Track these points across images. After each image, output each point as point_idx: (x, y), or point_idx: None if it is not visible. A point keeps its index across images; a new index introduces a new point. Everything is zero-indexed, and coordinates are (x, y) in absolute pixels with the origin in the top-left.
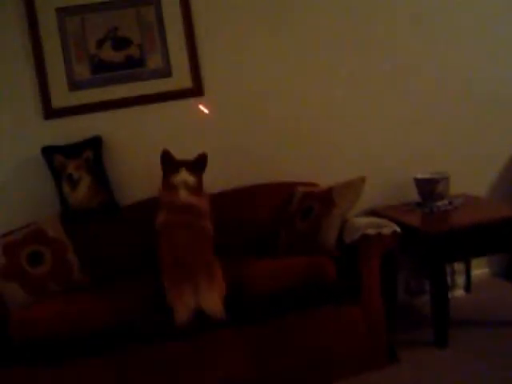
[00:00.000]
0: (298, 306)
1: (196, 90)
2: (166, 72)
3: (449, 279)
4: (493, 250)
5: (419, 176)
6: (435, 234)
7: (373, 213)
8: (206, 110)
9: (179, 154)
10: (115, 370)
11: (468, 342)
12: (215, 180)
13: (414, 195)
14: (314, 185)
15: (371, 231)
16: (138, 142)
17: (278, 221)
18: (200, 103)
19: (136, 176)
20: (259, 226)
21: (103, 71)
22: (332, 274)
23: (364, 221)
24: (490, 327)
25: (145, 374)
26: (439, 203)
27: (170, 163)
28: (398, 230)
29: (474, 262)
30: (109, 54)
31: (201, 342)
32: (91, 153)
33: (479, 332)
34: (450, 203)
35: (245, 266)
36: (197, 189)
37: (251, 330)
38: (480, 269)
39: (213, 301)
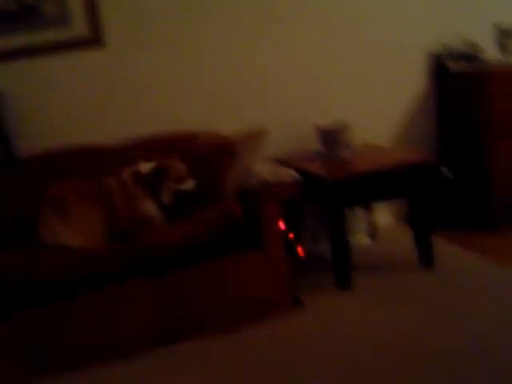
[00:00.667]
0: (204, 256)
1: (95, 40)
2: (63, 20)
3: (353, 226)
4: (392, 195)
5: (321, 125)
6: (335, 180)
7: (276, 161)
8: None
9: (80, 104)
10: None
11: (370, 286)
12: (116, 130)
13: (316, 144)
14: (217, 135)
15: (271, 179)
16: (38, 93)
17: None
18: None
19: (36, 128)
20: None
21: None
22: (239, 215)
23: (266, 169)
24: (391, 271)
25: (43, 335)
26: (340, 151)
27: None
28: (298, 177)
29: (378, 210)
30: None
31: (106, 295)
32: None
33: (381, 276)
34: (351, 151)
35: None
36: None
37: (156, 282)
38: (383, 215)
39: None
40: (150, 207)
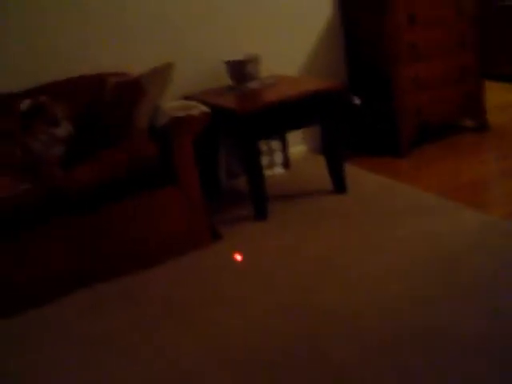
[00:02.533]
0: (120, 195)
1: None
2: None
3: (267, 158)
4: (303, 124)
5: (229, 59)
6: (246, 112)
7: (186, 98)
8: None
9: None
10: None
11: (285, 214)
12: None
13: (227, 79)
14: (125, 75)
15: (180, 113)
16: None
17: (90, 115)
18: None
19: None
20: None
21: None
22: (155, 157)
23: (174, 105)
24: (305, 198)
25: None
26: (250, 84)
27: None
28: (207, 110)
29: (291, 140)
30: None
31: (19, 238)
32: None
33: (296, 203)
34: (261, 83)
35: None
36: None
37: (72, 221)
38: (297, 146)
39: None
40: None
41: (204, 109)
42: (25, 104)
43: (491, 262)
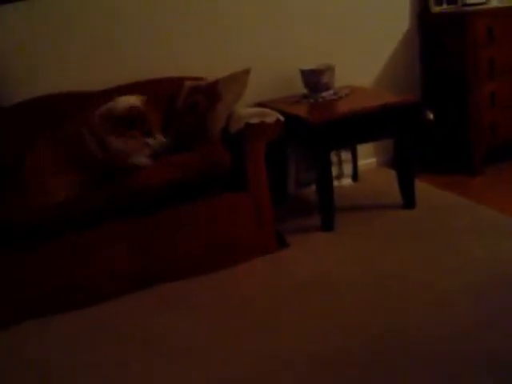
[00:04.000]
0: (191, 198)
1: None
2: None
3: (337, 169)
4: (375, 137)
5: (305, 67)
6: (319, 122)
7: (260, 105)
8: None
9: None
10: None
11: (352, 226)
12: (100, 78)
13: (300, 88)
14: (201, 79)
15: (254, 120)
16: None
17: (165, 117)
18: None
19: (18, 75)
20: None
21: None
22: (228, 163)
23: (248, 111)
24: (373, 212)
25: (28, 272)
26: (325, 94)
27: None
28: (281, 118)
29: (362, 152)
30: None
31: (86, 236)
32: None
33: (363, 216)
34: (335, 94)
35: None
36: None
37: (140, 224)
38: (367, 159)
39: None
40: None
41: (279, 116)
42: (120, 105)
43: None
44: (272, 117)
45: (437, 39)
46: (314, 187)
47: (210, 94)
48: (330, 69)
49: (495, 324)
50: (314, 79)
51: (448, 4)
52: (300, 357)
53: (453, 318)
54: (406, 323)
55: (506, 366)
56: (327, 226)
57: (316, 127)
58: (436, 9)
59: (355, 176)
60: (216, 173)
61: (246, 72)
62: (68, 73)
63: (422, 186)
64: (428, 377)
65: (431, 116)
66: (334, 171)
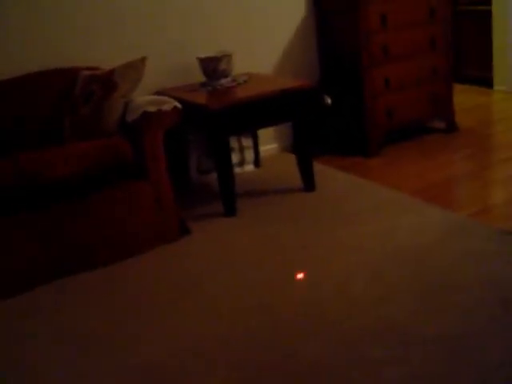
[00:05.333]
0: (91, 188)
1: None
2: None
3: (238, 155)
4: (274, 121)
5: (202, 55)
6: (217, 108)
7: (159, 94)
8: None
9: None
10: None
11: (254, 211)
12: None
13: (199, 76)
14: (97, 69)
15: (151, 108)
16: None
17: (61, 109)
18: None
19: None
20: (41, 118)
21: None
22: (129, 153)
23: (146, 99)
24: (275, 196)
25: None
26: (223, 81)
27: None
28: (178, 105)
29: (263, 139)
30: None
31: None
32: None
33: (265, 201)
34: (234, 81)
35: (37, 154)
36: None
37: (41, 215)
38: (269, 145)
39: None
40: None
41: (176, 104)
42: None
43: (456, 259)
44: (169, 104)
45: (331, 25)
46: (215, 175)
47: (105, 82)
48: (227, 56)
49: (388, 298)
50: (212, 67)
51: None
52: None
53: (346, 292)
54: (300, 298)
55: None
56: (229, 211)
57: (214, 113)
58: None
59: (257, 162)
60: (116, 163)
61: (142, 60)
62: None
63: (321, 169)
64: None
65: (328, 100)
66: (236, 158)
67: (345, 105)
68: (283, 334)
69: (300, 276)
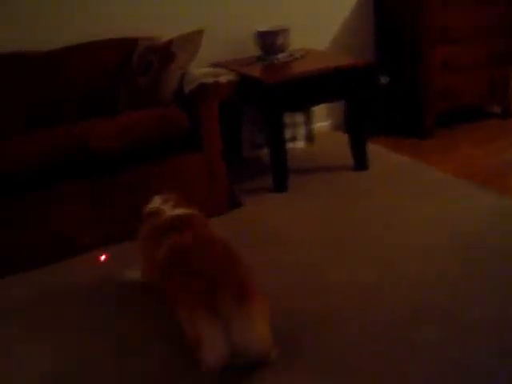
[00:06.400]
0: (145, 159)
1: None
2: None
3: (291, 131)
4: (328, 98)
5: (260, 29)
6: (273, 82)
7: (214, 66)
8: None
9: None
10: None
11: (305, 187)
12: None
13: (256, 49)
14: (155, 39)
15: (208, 79)
16: None
17: (118, 79)
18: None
19: None
20: (97, 87)
21: None
22: (185, 124)
23: (202, 71)
24: (326, 173)
25: None
26: (280, 56)
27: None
28: (235, 77)
29: (316, 116)
30: None
31: (48, 195)
32: None
33: (316, 177)
34: (290, 55)
35: (91, 123)
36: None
37: (100, 183)
38: (322, 122)
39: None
40: None
41: (232, 77)
42: None
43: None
44: (226, 76)
45: (390, 4)
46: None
47: (163, 53)
48: (285, 30)
49: (436, 281)
50: (269, 41)
51: None
52: None
53: (397, 275)
54: (348, 277)
55: (453, 319)
56: (280, 187)
57: (270, 88)
58: None
59: (309, 139)
60: (171, 133)
61: (200, 32)
62: (12, 32)
63: (374, 149)
64: (368, 323)
65: (384, 80)
66: (288, 133)
67: (400, 85)
68: (331, 314)
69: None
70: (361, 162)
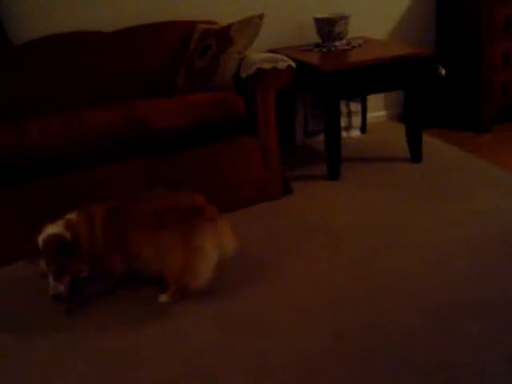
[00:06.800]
0: (201, 140)
1: None
2: None
3: (346, 120)
4: (386, 88)
5: (318, 16)
6: (331, 70)
7: (272, 52)
8: None
9: None
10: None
11: (357, 176)
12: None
13: (314, 36)
14: (214, 23)
15: (266, 65)
16: None
17: (176, 61)
18: None
19: (31, 12)
20: (156, 68)
21: None
22: (242, 108)
23: (260, 56)
24: (379, 163)
25: (49, 203)
26: (338, 43)
27: None
28: (293, 64)
29: (372, 105)
30: None
31: (103, 173)
32: None
33: (370, 167)
34: (348, 44)
35: (149, 103)
36: None
37: (153, 162)
38: (377, 112)
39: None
40: None
41: (291, 62)
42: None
43: None
44: (284, 63)
45: None
46: (321, 137)
47: (222, 37)
48: (344, 18)
49: (488, 277)
50: (328, 28)
51: None
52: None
53: (446, 267)
54: (400, 268)
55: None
56: (333, 175)
57: (327, 75)
58: None
59: (364, 128)
60: (228, 117)
61: (259, 17)
62: (75, 12)
63: (429, 141)
64: (418, 310)
65: (443, 71)
66: (343, 122)
67: (460, 77)
68: (378, 303)
69: None
70: (415, 154)
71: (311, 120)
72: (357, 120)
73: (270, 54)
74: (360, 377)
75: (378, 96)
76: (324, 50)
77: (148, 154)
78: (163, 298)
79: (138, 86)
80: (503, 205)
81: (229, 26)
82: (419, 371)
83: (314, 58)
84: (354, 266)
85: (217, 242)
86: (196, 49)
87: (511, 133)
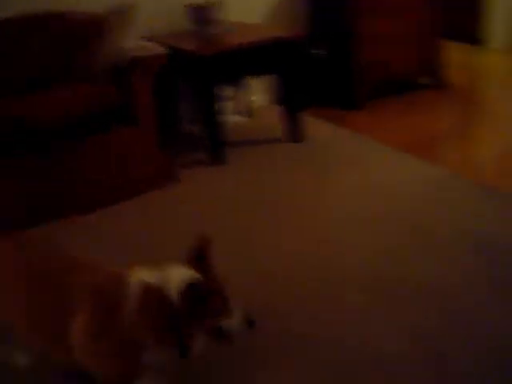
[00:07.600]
0: (80, 134)
1: None
2: None
3: (230, 104)
4: (262, 71)
5: (192, 2)
6: (206, 54)
7: (147, 40)
8: None
9: None
10: None
11: (243, 160)
12: None
13: (187, 23)
14: (85, 13)
15: (139, 53)
16: None
17: (51, 53)
18: None
19: None
20: (30, 62)
21: None
22: (114, 99)
23: (133, 45)
24: (264, 146)
25: None
26: (212, 29)
27: None
28: (165, 51)
29: (255, 90)
30: None
31: None
32: None
33: (254, 150)
34: (222, 29)
35: (25, 99)
36: None
37: (37, 157)
38: (261, 95)
39: None
40: None
41: (162, 50)
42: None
43: (444, 212)
44: (156, 50)
45: None
46: None
47: (96, 28)
48: (216, 4)
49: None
50: (202, 14)
51: None
52: None
53: (328, 242)
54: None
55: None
56: (216, 159)
57: (201, 60)
58: None
59: (249, 112)
60: (102, 108)
61: (131, 7)
62: None
63: (309, 120)
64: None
65: (318, 52)
66: (228, 107)
67: (335, 58)
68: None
69: None
70: (296, 135)
71: (194, 107)
72: (241, 104)
73: (143, 43)
74: None
75: (260, 80)
76: (199, 35)
77: (32, 151)
78: None
79: (13, 82)
80: (382, 176)
81: (102, 17)
82: None
83: (189, 44)
84: (236, 244)
85: None
86: (71, 40)
87: (385, 109)
